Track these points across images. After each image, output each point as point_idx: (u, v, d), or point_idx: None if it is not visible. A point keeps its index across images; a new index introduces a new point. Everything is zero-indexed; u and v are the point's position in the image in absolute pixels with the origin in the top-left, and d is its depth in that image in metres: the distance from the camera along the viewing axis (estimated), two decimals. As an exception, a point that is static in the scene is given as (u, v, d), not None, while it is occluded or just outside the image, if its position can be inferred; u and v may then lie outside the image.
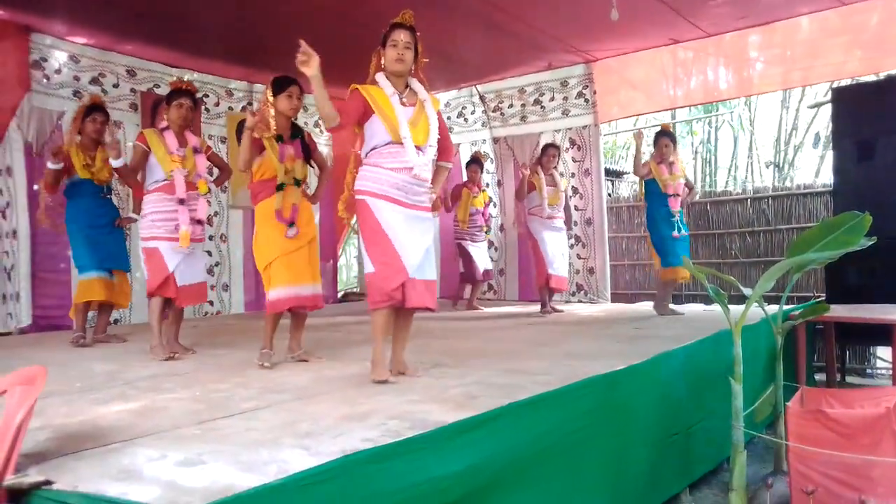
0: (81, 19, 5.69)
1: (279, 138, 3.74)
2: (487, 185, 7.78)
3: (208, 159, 4.45)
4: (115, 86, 6.31)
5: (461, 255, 7.01)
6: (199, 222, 4.29)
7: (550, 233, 6.41)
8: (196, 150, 4.32)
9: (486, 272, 7.17)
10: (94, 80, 6.18)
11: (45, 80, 5.81)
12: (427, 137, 3.21)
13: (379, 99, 3.16)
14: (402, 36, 3.19)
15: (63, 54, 5.97)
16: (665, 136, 5.83)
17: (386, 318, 3.15)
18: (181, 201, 4.17)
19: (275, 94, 3.74)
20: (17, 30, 5.63)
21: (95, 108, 4.84)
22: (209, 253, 6.77)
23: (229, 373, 3.49)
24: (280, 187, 3.72)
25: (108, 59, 6.29)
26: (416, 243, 3.17)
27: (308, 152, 3.93)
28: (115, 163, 4.29)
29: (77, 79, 6.05)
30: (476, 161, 7.15)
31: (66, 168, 4.72)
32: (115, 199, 5.22)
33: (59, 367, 3.69)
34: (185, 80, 4.63)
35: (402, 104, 3.19)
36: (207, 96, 7.04)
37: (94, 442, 2.19)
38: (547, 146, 6.69)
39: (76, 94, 5.99)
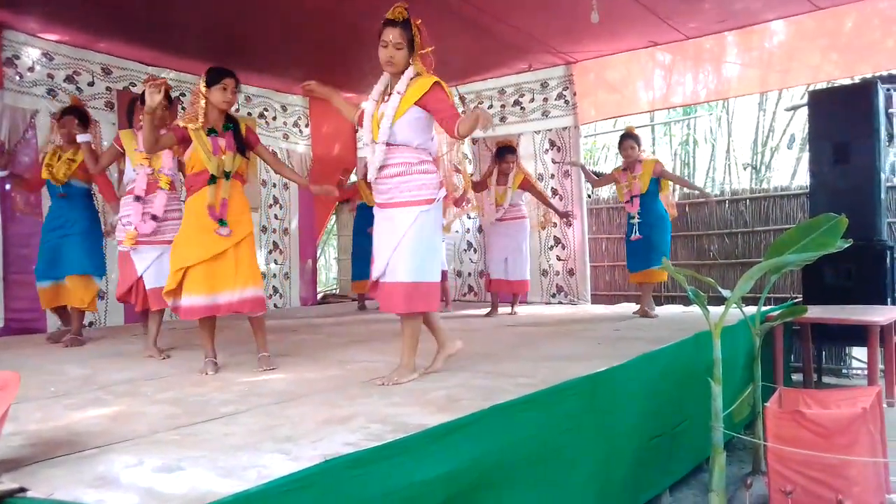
0: (55, 16, 5.60)
1: (211, 131, 3.61)
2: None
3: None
4: (91, 84, 6.22)
5: None
6: (154, 217, 4.25)
7: (496, 236, 6.42)
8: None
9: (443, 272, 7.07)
10: (69, 79, 6.09)
11: (17, 78, 5.71)
12: (378, 133, 3.12)
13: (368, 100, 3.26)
14: (391, 35, 3.08)
15: (36, 51, 5.87)
16: (629, 139, 5.86)
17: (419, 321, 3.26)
18: (138, 198, 4.21)
19: (208, 86, 3.58)
20: (-12, 26, 5.54)
21: (70, 111, 4.86)
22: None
23: (207, 376, 3.45)
24: (212, 180, 3.58)
25: (83, 57, 6.20)
26: (381, 246, 3.16)
27: (242, 144, 3.73)
28: (81, 137, 4.36)
29: (51, 77, 5.95)
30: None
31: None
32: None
33: (33, 372, 3.62)
34: (160, 78, 4.58)
35: (382, 101, 3.20)
36: (184, 95, 6.96)
37: (70, 448, 2.15)
38: (501, 148, 6.49)
39: (50, 92, 5.90)
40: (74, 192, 4.84)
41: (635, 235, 5.70)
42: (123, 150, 4.17)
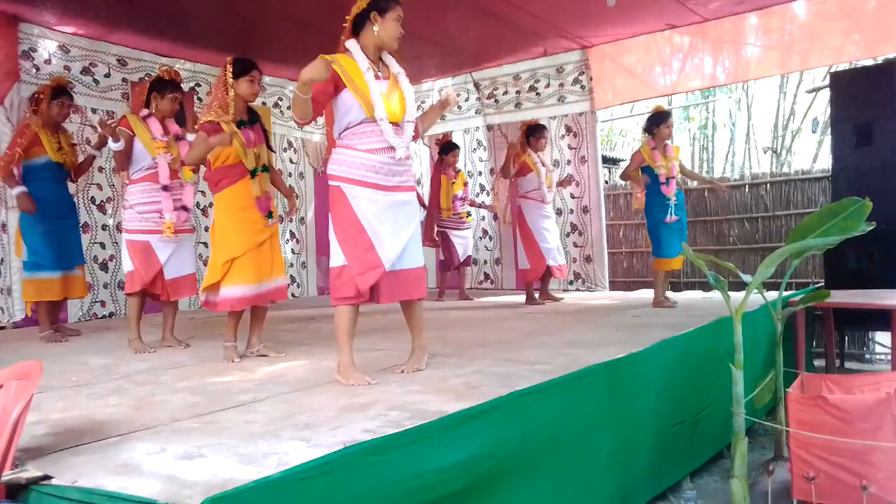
0: (70, 9, 5.61)
1: (241, 123, 3.60)
2: (467, 171, 7.64)
3: None
4: (107, 75, 6.25)
5: (443, 243, 6.88)
6: (185, 209, 4.20)
7: (548, 220, 6.31)
8: (178, 138, 4.24)
9: (467, 258, 7.09)
10: (85, 70, 6.12)
11: (34, 71, 5.74)
12: (404, 113, 2.97)
13: (351, 71, 2.88)
14: (400, 12, 2.97)
15: (52, 44, 5.90)
16: (670, 117, 5.62)
17: (351, 315, 2.95)
18: (165, 188, 4.09)
19: (236, 77, 3.55)
20: (5, 20, 5.55)
21: (63, 91, 4.73)
22: (206, 245, 6.72)
23: (226, 364, 3.48)
24: (254, 173, 3.59)
25: (99, 49, 6.22)
26: (395, 234, 2.93)
27: (267, 136, 3.79)
28: (114, 146, 4.05)
29: (68, 69, 5.98)
30: (455, 146, 6.99)
31: (17, 144, 4.54)
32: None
33: (54, 362, 3.66)
34: (174, 69, 4.49)
35: (377, 78, 2.94)
36: (199, 86, 6.98)
37: (92, 436, 2.17)
38: (539, 126, 6.41)
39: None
40: (67, 178, 4.85)
41: (671, 217, 5.41)
42: (133, 133, 4.09)
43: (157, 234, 4.09)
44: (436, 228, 6.86)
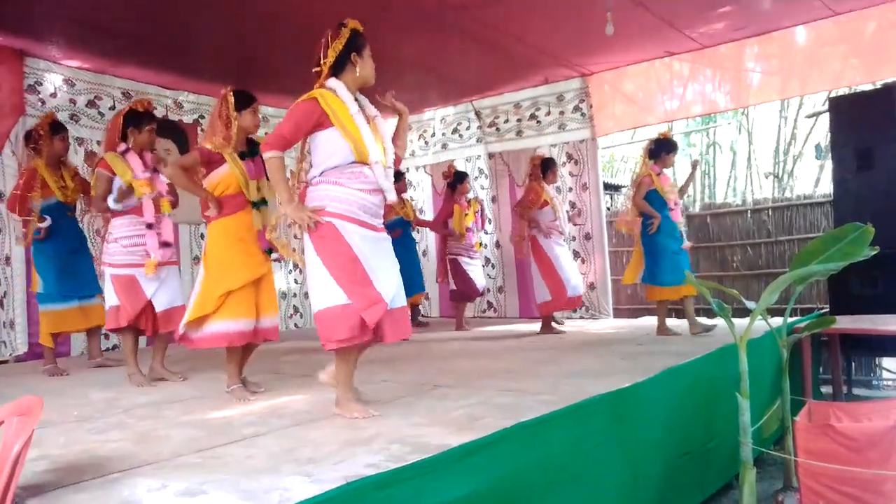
0: (75, 44, 5.69)
1: (242, 154, 3.59)
2: (476, 197, 7.63)
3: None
4: (112, 108, 6.30)
5: (454, 272, 6.83)
6: (167, 244, 4.14)
7: (564, 250, 6.30)
8: (155, 170, 4.22)
9: (485, 289, 7.09)
10: (90, 103, 6.18)
11: (40, 104, 5.79)
12: (387, 157, 2.96)
13: (340, 112, 2.83)
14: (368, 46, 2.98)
15: (58, 77, 5.96)
16: (677, 148, 5.66)
17: (350, 355, 2.87)
18: (149, 226, 4.06)
19: (239, 109, 3.56)
20: (11, 55, 5.62)
21: (62, 126, 4.81)
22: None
23: (228, 397, 3.44)
24: (256, 206, 3.57)
25: (104, 83, 6.29)
26: (388, 270, 2.89)
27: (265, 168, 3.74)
28: (165, 178, 4.10)
29: (73, 102, 6.04)
30: (465, 175, 7.00)
31: (31, 188, 4.59)
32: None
33: (56, 396, 3.65)
34: (147, 100, 4.41)
35: (367, 122, 2.91)
36: (203, 118, 7.04)
37: (94, 472, 2.16)
38: (551, 159, 6.52)
39: (73, 117, 5.99)
40: (74, 210, 4.90)
41: (687, 244, 5.39)
42: (114, 174, 4.05)
43: (142, 267, 4.04)
44: (447, 259, 6.87)
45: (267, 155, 2.88)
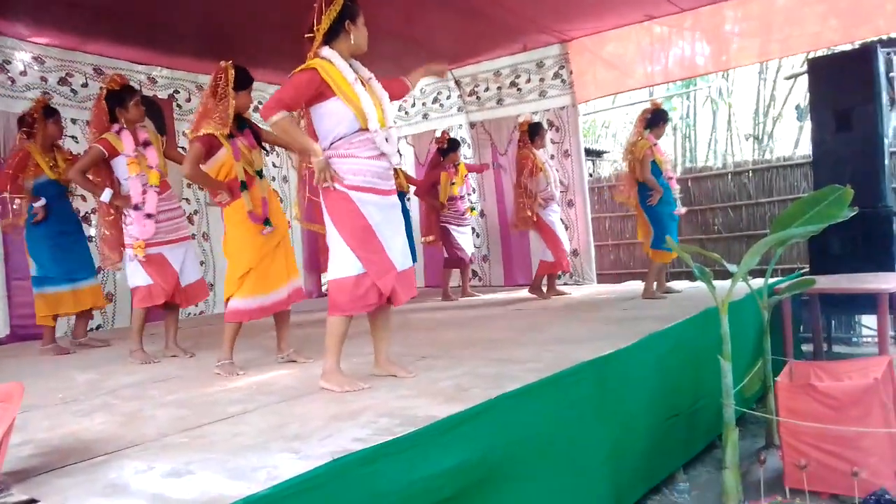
0: (44, 20, 5.54)
1: (230, 135, 3.55)
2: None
3: (169, 157, 4.31)
4: (84, 85, 6.17)
5: (444, 239, 6.81)
6: (150, 216, 4.08)
7: (557, 216, 6.33)
8: (146, 143, 4.18)
9: (472, 256, 7.09)
10: (62, 81, 6.04)
11: (10, 83, 5.66)
12: (387, 120, 2.96)
13: (340, 81, 2.83)
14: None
15: (27, 55, 5.81)
16: (669, 117, 5.72)
17: (346, 325, 2.93)
18: (136, 207, 4.05)
19: (238, 89, 3.52)
20: (-23, 33, 5.48)
21: (55, 110, 4.80)
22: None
23: (214, 376, 3.43)
24: (243, 187, 3.54)
25: (75, 59, 6.14)
26: (396, 235, 2.98)
27: (259, 139, 3.75)
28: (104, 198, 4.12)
29: (44, 80, 5.90)
30: (459, 144, 6.98)
31: (22, 169, 4.58)
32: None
33: (40, 378, 3.62)
34: (120, 74, 4.37)
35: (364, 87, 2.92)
36: (178, 92, 6.92)
37: (79, 456, 2.14)
38: (539, 124, 6.46)
39: (44, 94, 5.83)
40: (66, 193, 4.85)
41: (681, 209, 5.58)
42: (115, 152, 4.05)
43: (167, 244, 4.12)
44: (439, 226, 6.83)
45: (275, 118, 2.81)
